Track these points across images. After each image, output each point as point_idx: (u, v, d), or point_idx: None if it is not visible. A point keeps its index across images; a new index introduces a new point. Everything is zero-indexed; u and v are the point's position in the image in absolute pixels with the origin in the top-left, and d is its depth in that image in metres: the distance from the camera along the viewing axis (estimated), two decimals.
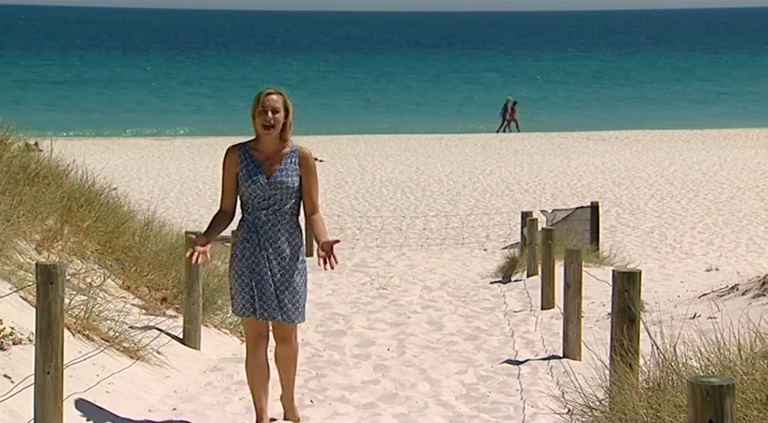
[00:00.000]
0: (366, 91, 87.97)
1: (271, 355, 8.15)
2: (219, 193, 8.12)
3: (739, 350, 7.00)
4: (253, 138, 7.95)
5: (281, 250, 7.84)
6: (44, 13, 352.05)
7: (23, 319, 8.83)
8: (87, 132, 55.71)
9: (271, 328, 8.04)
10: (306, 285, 7.98)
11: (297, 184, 7.87)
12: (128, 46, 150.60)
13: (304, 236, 8.12)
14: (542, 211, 23.81)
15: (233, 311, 8.03)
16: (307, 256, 8.75)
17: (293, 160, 7.89)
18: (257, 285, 7.83)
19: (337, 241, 7.71)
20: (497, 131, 57.51)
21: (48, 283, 6.90)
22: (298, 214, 7.97)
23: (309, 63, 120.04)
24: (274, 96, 7.85)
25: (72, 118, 64.54)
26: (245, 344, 8.12)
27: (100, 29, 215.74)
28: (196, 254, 7.66)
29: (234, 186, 7.93)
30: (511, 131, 57.64)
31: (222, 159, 8.02)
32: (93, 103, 75.78)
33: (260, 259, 7.84)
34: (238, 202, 7.99)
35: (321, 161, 40.08)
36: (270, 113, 7.80)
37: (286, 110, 7.85)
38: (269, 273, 7.83)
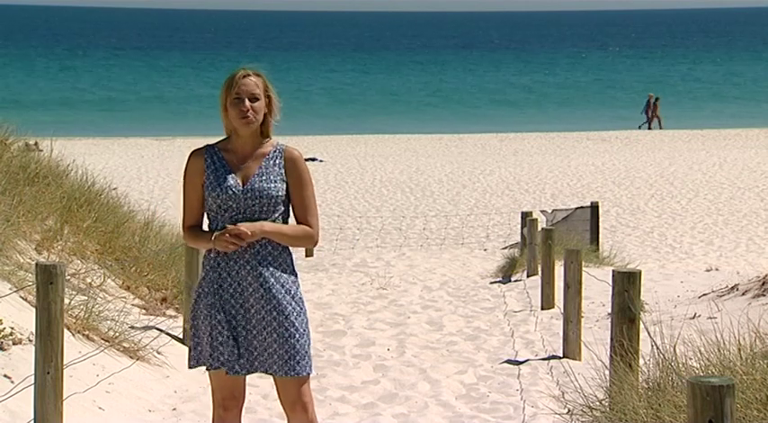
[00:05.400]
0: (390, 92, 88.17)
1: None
2: (181, 211, 6.17)
3: (739, 350, 7.00)
4: (222, 138, 6.11)
5: (261, 282, 5.94)
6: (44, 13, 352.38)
7: (23, 319, 8.84)
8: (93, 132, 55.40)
9: (276, 392, 6.13)
10: (306, 327, 6.03)
11: (281, 193, 5.95)
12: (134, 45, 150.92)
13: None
14: (542, 212, 23.81)
15: (188, 364, 6.12)
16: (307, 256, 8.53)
17: (277, 162, 5.99)
18: (230, 332, 5.96)
19: (243, 233, 5.87)
20: (639, 128, 56.14)
21: (48, 283, 6.90)
22: None
23: (324, 64, 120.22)
24: (251, 79, 5.95)
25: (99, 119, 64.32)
26: (212, 403, 6.26)
27: (118, 29, 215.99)
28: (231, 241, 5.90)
29: (199, 202, 6.03)
30: (653, 128, 56.00)
31: (183, 168, 6.10)
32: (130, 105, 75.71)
33: (232, 297, 5.98)
34: (205, 222, 6.12)
35: (321, 161, 40.06)
36: (247, 101, 5.92)
37: (267, 97, 5.99)
38: (243, 315, 5.97)
